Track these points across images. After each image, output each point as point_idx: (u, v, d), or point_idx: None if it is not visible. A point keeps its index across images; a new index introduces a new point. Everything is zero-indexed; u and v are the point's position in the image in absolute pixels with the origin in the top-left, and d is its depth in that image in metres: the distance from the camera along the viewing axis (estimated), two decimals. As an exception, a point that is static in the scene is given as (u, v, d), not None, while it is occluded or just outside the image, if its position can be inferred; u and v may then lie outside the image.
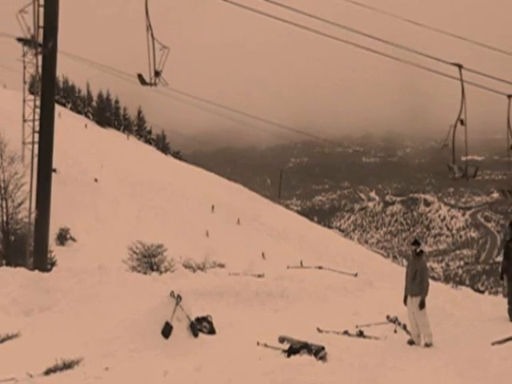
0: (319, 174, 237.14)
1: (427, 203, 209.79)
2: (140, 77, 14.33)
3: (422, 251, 11.50)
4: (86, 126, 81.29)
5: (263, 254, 42.06)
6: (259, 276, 18.26)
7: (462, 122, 12.95)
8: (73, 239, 36.03)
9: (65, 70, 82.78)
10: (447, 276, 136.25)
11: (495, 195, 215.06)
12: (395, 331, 12.11)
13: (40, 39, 18.78)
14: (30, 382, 9.88)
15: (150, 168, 60.04)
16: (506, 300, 15.46)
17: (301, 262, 20.42)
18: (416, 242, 11.68)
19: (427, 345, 11.15)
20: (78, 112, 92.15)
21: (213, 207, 51.85)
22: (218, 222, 48.00)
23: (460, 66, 12.78)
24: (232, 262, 27.06)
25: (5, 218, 25.22)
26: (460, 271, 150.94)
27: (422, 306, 11.13)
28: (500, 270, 13.56)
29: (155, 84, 14.39)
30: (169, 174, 61.23)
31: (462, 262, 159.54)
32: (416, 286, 11.19)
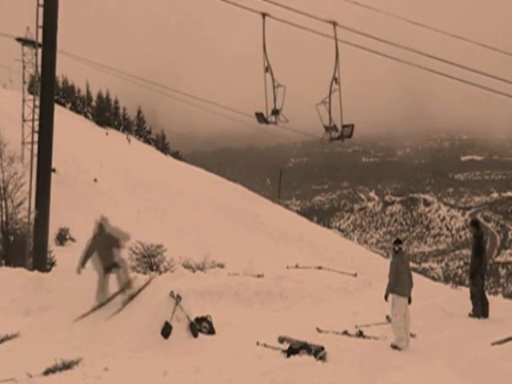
0: (319, 174, 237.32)
1: (427, 203, 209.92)
2: (260, 115, 14.20)
3: (398, 249, 11.50)
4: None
5: None
6: (259, 276, 18.23)
7: (336, 81, 13.20)
8: (72, 239, 35.95)
9: (64, 70, 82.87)
10: (447, 276, 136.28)
11: (495, 195, 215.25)
12: (395, 331, 12.09)
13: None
14: (30, 383, 9.87)
15: (150, 168, 59.99)
16: (502, 299, 15.58)
17: (296, 265, 20.41)
18: (398, 241, 11.71)
19: (392, 345, 11.09)
20: (78, 112, 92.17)
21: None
22: (218, 221, 47.99)
23: (335, 24, 12.95)
24: (231, 262, 27.05)
25: (4, 218, 25.17)
26: (460, 271, 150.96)
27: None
28: (472, 268, 13.75)
29: (275, 123, 14.30)
30: (168, 173, 61.19)
31: (461, 262, 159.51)
32: None
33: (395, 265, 11.36)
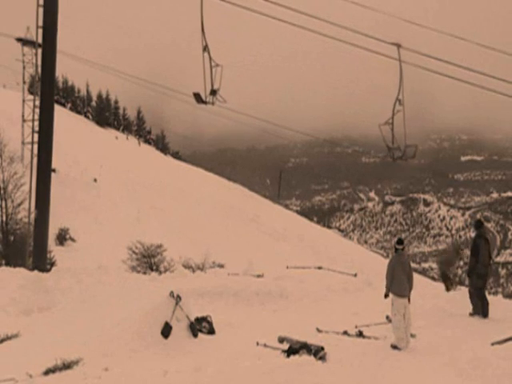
0: (319, 174, 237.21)
1: (427, 203, 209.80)
2: (197, 96, 14.20)
3: (396, 250, 11.58)
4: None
5: None
6: (259, 276, 18.27)
7: (399, 102, 13.22)
8: (72, 239, 35.94)
9: (64, 70, 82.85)
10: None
11: (495, 195, 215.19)
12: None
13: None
14: (30, 382, 9.87)
15: (150, 168, 59.97)
16: (502, 299, 15.64)
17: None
18: (399, 241, 11.70)
19: (392, 345, 11.09)
20: (78, 112, 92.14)
21: None
22: (218, 221, 47.97)
23: (399, 46, 12.94)
24: (231, 262, 27.05)
25: (4, 218, 25.16)
26: (459, 271, 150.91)
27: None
28: (468, 268, 13.92)
29: (212, 103, 14.29)
30: (168, 174, 61.14)
31: (461, 262, 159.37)
32: None
33: (392, 265, 11.37)
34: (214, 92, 14.01)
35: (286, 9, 13.19)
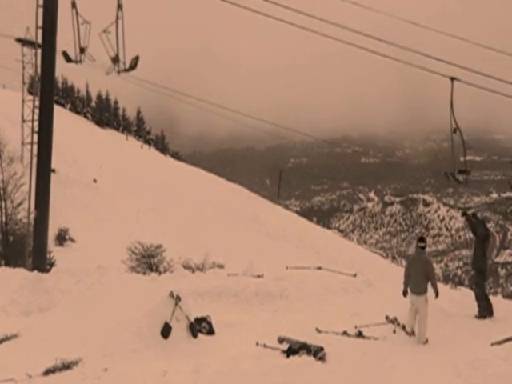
0: (318, 175, 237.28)
1: (426, 204, 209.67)
2: (65, 54, 14.39)
3: (416, 247, 12.16)
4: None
5: None
6: (258, 276, 18.23)
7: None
8: (72, 240, 35.92)
9: (64, 70, 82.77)
10: (446, 276, 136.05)
11: (494, 195, 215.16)
12: (394, 331, 12.12)
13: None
14: (29, 383, 9.88)
15: (150, 168, 60.01)
16: (502, 300, 15.71)
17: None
18: (419, 239, 12.22)
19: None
20: (78, 112, 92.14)
21: None
22: (218, 222, 47.98)
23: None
24: (231, 262, 27.02)
25: (4, 219, 25.15)
26: (459, 272, 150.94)
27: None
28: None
29: (80, 61, 14.49)
30: (168, 174, 61.17)
31: (461, 263, 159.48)
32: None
33: (409, 263, 12.21)
34: (82, 50, 14.18)
35: (285, 9, 13.20)
